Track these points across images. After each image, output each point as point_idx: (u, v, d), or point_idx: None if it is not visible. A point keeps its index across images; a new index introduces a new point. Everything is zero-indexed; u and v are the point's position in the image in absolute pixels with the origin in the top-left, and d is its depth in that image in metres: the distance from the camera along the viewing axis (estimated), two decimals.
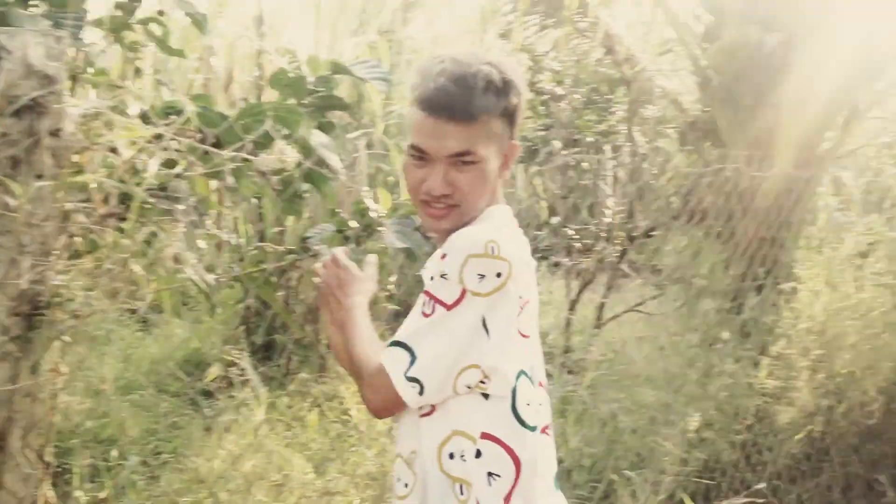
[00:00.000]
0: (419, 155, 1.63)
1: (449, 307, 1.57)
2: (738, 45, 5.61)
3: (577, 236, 5.77)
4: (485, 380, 1.60)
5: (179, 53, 3.18)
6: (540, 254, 5.20)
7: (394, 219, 3.11)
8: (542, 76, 6.90)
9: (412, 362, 1.58)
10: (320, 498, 3.08)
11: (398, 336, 1.63)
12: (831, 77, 5.32)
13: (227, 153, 2.37)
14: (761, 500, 3.52)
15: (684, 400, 3.59)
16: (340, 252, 1.78)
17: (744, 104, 5.64)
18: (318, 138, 2.69)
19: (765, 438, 3.91)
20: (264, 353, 4.77)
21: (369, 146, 6.17)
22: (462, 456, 1.61)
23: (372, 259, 1.83)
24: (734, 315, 4.29)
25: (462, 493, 1.61)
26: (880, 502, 4.17)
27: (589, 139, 6.91)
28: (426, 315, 1.59)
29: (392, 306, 3.80)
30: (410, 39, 8.02)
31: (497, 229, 1.64)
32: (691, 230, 5.19)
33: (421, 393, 1.59)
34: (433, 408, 1.63)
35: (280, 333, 4.74)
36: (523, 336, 1.64)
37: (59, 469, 3.11)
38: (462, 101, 1.58)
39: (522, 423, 1.63)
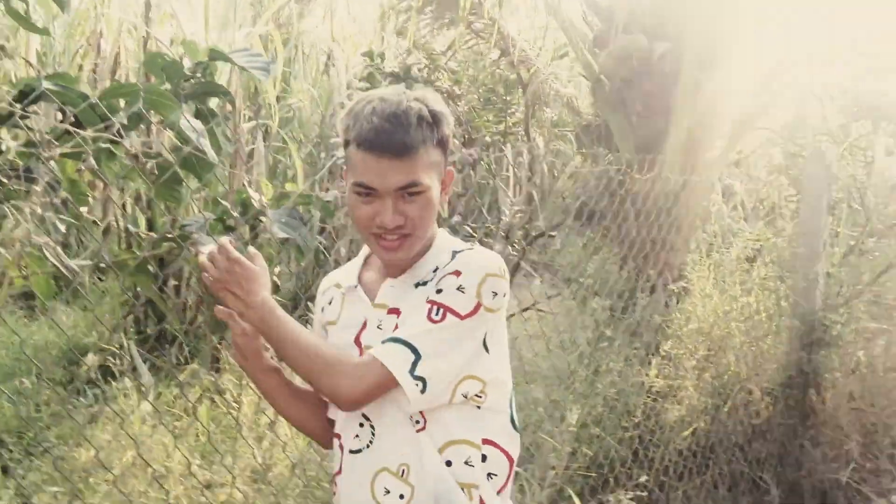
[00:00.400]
0: (366, 191, 1.69)
1: (462, 317, 1.67)
2: (627, 52, 5.69)
3: (475, 235, 5.72)
4: (481, 393, 1.73)
5: (43, 32, 3.01)
6: None
7: (279, 209, 3.00)
8: (438, 75, 6.86)
9: (416, 361, 1.65)
10: (203, 490, 2.94)
11: (397, 334, 1.68)
12: (719, 86, 5.43)
13: (87, 133, 2.19)
14: (646, 496, 3.52)
15: (573, 397, 3.56)
16: (226, 242, 1.68)
17: (634, 109, 5.72)
18: (189, 124, 2.54)
19: (652, 435, 3.92)
20: (155, 342, 4.57)
21: (265, 138, 6.03)
22: (469, 462, 1.73)
23: (254, 251, 1.74)
24: (625, 315, 4.31)
25: (472, 497, 1.73)
26: (764, 500, 4.24)
27: (487, 139, 6.90)
28: (434, 321, 1.67)
29: (280, 299, 3.66)
30: (307, 34, 7.89)
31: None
32: (586, 231, 5.22)
33: (423, 392, 1.65)
34: (426, 422, 1.71)
35: (172, 323, 4.52)
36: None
37: None
38: (400, 137, 1.65)
39: (515, 427, 1.81)
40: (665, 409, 3.93)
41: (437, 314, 1.67)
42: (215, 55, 2.84)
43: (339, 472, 1.81)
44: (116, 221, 4.56)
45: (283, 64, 7.26)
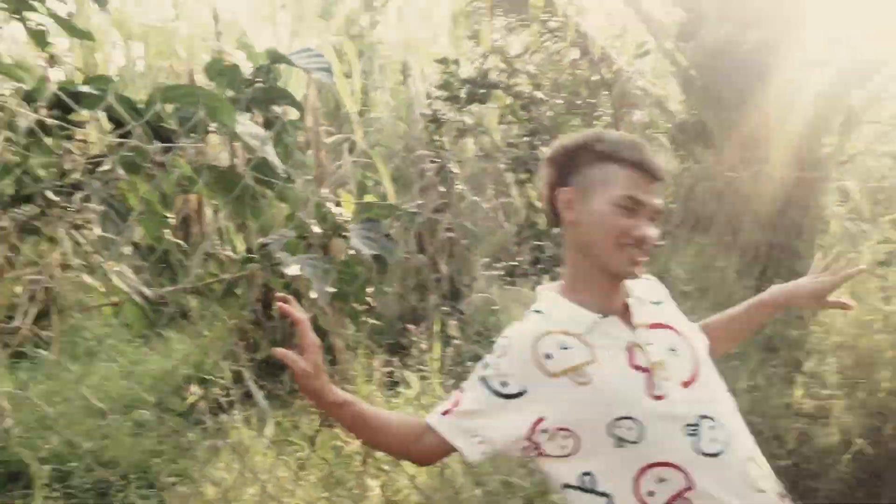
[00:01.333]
0: (632, 206, 1.73)
1: None
2: (718, 44, 5.24)
3: None
4: None
5: (86, 36, 2.76)
6: (542, 265, 4.80)
7: (360, 223, 2.68)
8: (517, 79, 6.49)
9: None
10: None
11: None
12: (820, 77, 4.97)
13: (150, 146, 1.86)
14: None
15: None
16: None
17: (728, 104, 5.26)
18: (248, 129, 2.22)
19: (808, 463, 3.43)
20: (269, 368, 4.32)
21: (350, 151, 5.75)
22: None
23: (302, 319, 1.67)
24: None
25: None
26: None
27: None
28: None
29: (372, 321, 3.34)
30: (380, 43, 7.63)
31: None
32: (695, 237, 4.78)
33: None
34: None
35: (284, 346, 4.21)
36: None
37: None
38: (659, 164, 1.76)
39: None
40: (818, 432, 3.45)
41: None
42: (275, 57, 2.68)
43: (691, 487, 1.65)
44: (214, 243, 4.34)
45: (360, 76, 7.00)
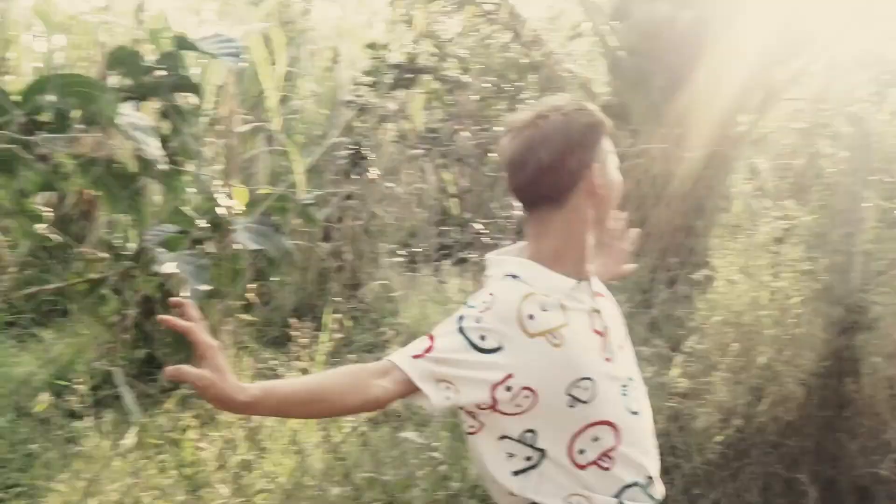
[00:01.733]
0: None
1: None
2: (649, 24, 5.34)
3: (486, 231, 5.45)
4: None
5: None
6: (446, 251, 4.90)
7: (250, 218, 2.76)
8: (447, 63, 6.56)
9: None
10: None
11: None
12: (746, 56, 5.10)
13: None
14: None
15: None
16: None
17: (657, 86, 5.38)
18: (130, 119, 2.28)
19: (680, 443, 3.60)
20: (144, 367, 4.34)
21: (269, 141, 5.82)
22: None
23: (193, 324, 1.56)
24: (645, 310, 4.00)
25: None
26: (800, 502, 3.90)
27: (499, 129, 6.59)
28: None
29: (248, 317, 3.42)
30: (313, 30, 7.66)
31: None
32: None
33: None
34: None
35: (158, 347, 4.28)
36: None
37: None
38: None
39: None
40: (692, 413, 3.62)
41: None
42: (181, 43, 2.64)
43: (616, 446, 1.78)
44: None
45: (289, 63, 7.05)
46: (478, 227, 5.31)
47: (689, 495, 3.65)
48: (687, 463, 3.59)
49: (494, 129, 6.41)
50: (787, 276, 4.41)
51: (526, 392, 1.70)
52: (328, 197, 4.96)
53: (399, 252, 4.69)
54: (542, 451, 1.74)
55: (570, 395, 1.73)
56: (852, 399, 4.05)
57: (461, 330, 1.70)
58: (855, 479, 3.97)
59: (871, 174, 5.00)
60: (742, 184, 5.62)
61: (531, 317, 1.73)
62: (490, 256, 1.89)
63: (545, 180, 1.79)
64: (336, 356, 3.59)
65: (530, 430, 1.74)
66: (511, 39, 6.96)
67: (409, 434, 3.56)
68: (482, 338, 1.69)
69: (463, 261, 5.09)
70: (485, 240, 5.27)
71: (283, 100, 6.04)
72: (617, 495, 1.76)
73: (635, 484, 1.79)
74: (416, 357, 1.68)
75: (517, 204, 1.87)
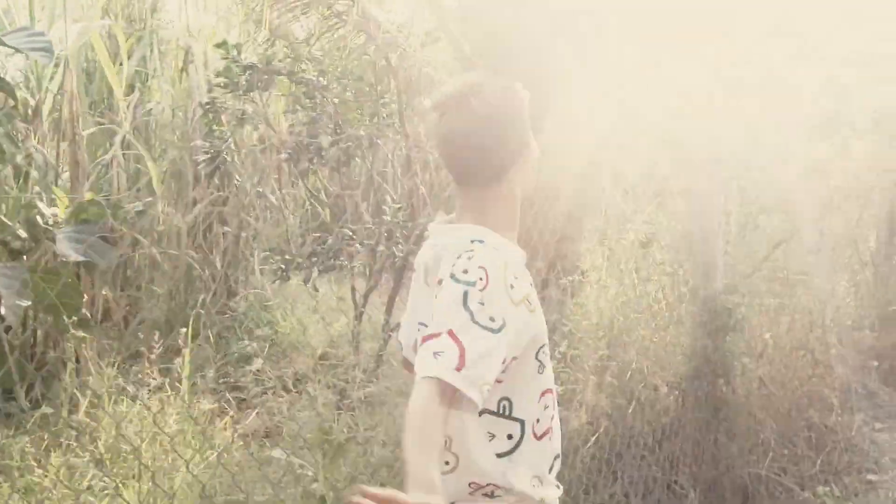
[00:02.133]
0: None
1: None
2: (498, 27, 5.29)
3: (356, 237, 5.26)
4: None
5: None
6: (317, 258, 4.69)
7: (71, 226, 2.52)
8: (303, 65, 6.34)
9: None
10: None
11: None
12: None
13: None
14: None
15: None
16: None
17: None
18: None
19: None
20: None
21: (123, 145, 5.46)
22: None
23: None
24: None
25: None
26: None
27: (361, 133, 6.42)
28: None
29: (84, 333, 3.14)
30: (162, 29, 7.29)
31: None
32: None
33: None
34: None
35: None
36: None
37: None
38: None
39: None
40: (564, 418, 3.55)
41: None
42: None
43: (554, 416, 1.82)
44: None
45: (138, 63, 6.69)
46: (347, 232, 5.13)
47: (572, 497, 3.58)
48: (563, 468, 3.51)
49: (357, 133, 6.25)
50: (655, 279, 4.46)
51: (513, 361, 1.69)
52: (190, 203, 4.68)
53: (272, 259, 4.45)
54: (520, 421, 1.73)
55: (538, 360, 1.74)
56: (727, 400, 4.10)
57: (473, 319, 1.62)
58: (736, 479, 4.02)
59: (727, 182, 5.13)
60: (610, 189, 5.66)
61: (512, 286, 1.69)
62: (434, 226, 1.87)
63: (489, 159, 1.77)
64: (201, 370, 3.40)
65: (506, 398, 1.72)
66: (365, 41, 6.82)
67: (275, 453, 3.37)
68: (491, 319, 1.63)
69: (332, 268, 4.89)
70: (355, 246, 5.09)
71: (135, 102, 5.69)
72: (550, 469, 1.79)
73: (558, 455, 1.82)
74: (458, 369, 1.58)
75: (451, 178, 1.83)
